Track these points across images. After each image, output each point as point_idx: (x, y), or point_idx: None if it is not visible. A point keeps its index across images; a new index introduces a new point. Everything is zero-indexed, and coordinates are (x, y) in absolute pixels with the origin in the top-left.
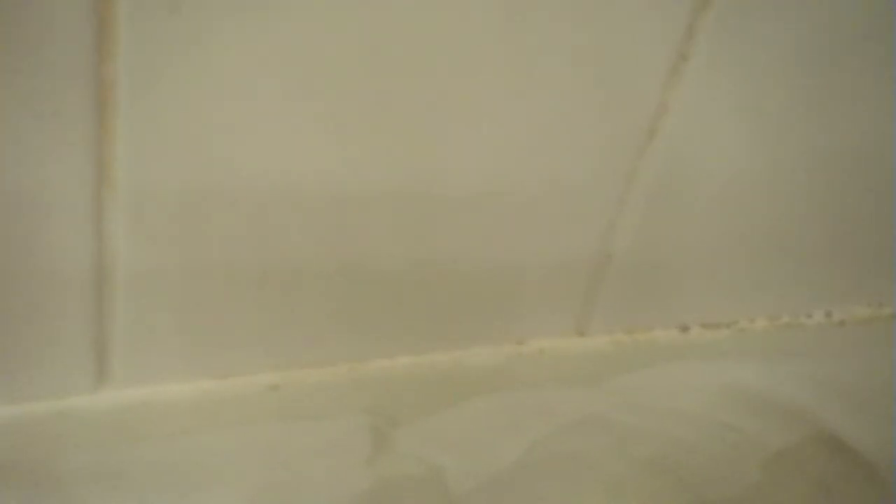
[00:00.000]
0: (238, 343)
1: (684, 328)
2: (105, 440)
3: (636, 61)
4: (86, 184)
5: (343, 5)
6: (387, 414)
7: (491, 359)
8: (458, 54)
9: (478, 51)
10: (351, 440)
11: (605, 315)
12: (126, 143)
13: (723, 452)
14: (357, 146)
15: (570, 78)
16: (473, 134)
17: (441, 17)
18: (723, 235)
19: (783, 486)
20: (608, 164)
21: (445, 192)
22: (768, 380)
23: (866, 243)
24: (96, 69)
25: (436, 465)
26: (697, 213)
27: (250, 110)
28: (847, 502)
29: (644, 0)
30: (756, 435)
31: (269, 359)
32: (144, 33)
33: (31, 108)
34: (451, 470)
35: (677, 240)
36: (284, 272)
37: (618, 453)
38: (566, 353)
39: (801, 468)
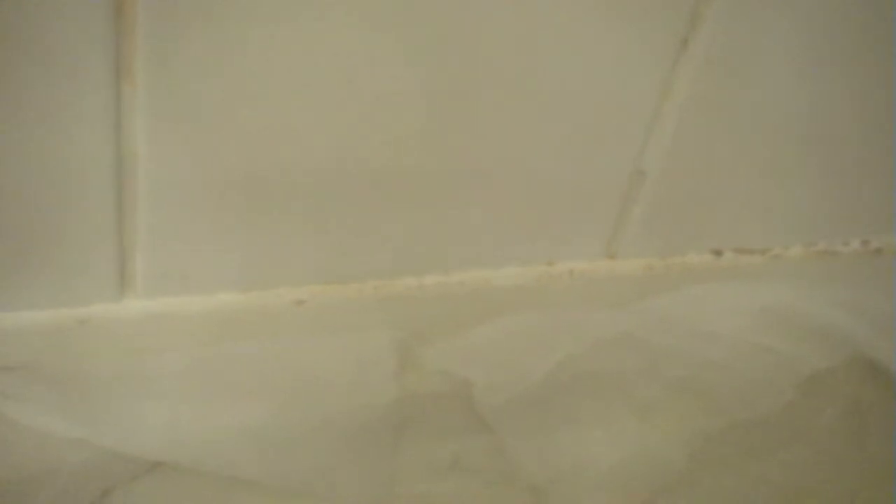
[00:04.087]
0: (263, 257)
1: (717, 253)
2: (129, 348)
3: None
4: (104, 78)
5: None
6: (414, 330)
7: (520, 279)
8: None
9: None
10: (377, 355)
11: (636, 239)
12: (146, 37)
13: (756, 374)
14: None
15: None
16: (505, 43)
17: None
18: (758, 158)
19: (816, 408)
20: (641, 76)
21: (476, 108)
22: (804, 303)
23: None
24: None
25: (463, 379)
26: (732, 133)
27: (274, 12)
28: (880, 424)
29: None
30: (790, 357)
31: (294, 274)
32: None
33: (50, 9)
34: (477, 385)
35: (711, 161)
36: (310, 185)
37: (649, 373)
38: (596, 275)
39: (835, 391)
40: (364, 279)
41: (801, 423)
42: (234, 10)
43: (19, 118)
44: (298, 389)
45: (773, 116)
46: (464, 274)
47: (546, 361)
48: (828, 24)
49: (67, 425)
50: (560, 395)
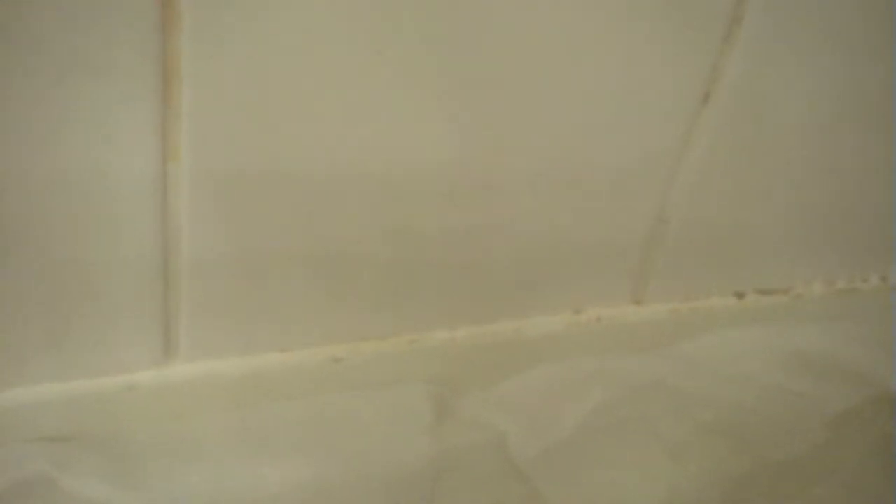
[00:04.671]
0: (300, 317)
1: (740, 295)
2: (174, 413)
3: (690, 26)
4: (151, 157)
5: None
6: (448, 383)
7: (549, 327)
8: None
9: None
10: (413, 409)
11: (661, 284)
12: (191, 118)
13: (785, 415)
14: (416, 125)
15: (623, 43)
16: (531, 95)
17: None
18: (778, 201)
19: (846, 446)
20: (664, 128)
21: (500, 164)
22: (827, 342)
23: None
24: (162, 45)
25: (498, 431)
26: (752, 179)
27: (312, 91)
28: None
29: None
30: (817, 397)
31: (331, 332)
32: (208, 11)
33: (99, 86)
34: (513, 436)
35: (732, 206)
36: (345, 246)
37: (679, 417)
38: (623, 321)
39: (864, 428)
40: (398, 334)
41: (831, 462)
42: (277, 92)
43: (70, 198)
44: (339, 445)
45: (791, 159)
46: (494, 326)
47: (578, 409)
48: (847, 73)
49: (118, 494)
50: (593, 441)
